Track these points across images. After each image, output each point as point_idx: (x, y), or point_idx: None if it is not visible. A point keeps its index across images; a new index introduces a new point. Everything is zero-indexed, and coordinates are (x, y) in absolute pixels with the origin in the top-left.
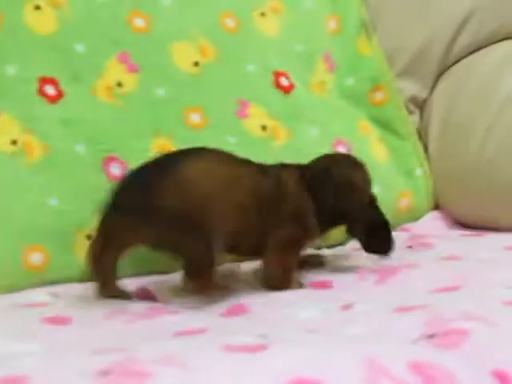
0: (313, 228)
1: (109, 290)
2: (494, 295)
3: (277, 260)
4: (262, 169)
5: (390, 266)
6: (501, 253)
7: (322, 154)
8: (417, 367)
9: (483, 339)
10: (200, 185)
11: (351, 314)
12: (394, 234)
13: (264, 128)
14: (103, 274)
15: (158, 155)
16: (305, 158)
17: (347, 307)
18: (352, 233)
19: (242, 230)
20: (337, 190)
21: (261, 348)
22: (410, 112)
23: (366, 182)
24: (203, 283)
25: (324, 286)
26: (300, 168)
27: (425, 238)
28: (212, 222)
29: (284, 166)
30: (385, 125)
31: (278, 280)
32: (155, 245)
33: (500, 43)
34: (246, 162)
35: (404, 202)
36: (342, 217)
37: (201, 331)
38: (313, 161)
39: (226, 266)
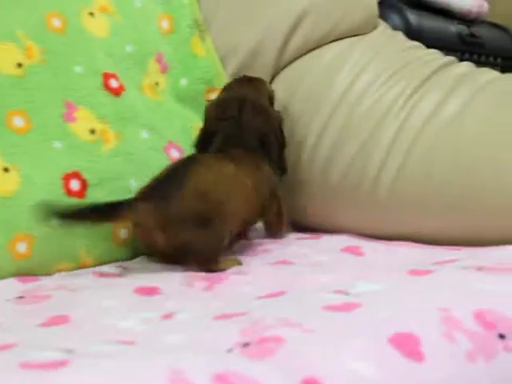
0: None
1: None
2: (315, 300)
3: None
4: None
5: (219, 273)
6: (336, 255)
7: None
8: (221, 378)
9: (297, 346)
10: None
11: (171, 324)
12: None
13: (92, 131)
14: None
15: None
16: (135, 162)
17: (168, 316)
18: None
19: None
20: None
21: (61, 364)
22: None
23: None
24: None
25: (151, 292)
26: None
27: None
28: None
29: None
30: None
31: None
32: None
33: (332, 44)
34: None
35: None
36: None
37: (8, 346)
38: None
39: None
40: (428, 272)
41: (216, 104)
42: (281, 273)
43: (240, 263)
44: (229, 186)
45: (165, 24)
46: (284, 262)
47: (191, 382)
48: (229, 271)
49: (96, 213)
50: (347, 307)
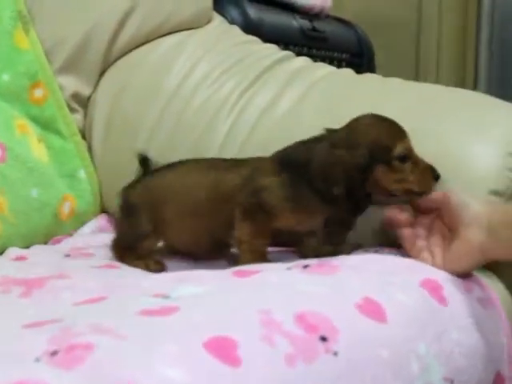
0: None
1: None
2: (132, 305)
3: None
4: None
5: (37, 278)
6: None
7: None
8: None
9: (107, 353)
10: None
11: None
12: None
13: None
14: None
15: None
16: None
17: None
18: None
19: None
20: None
21: None
22: (73, 110)
23: None
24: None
25: None
26: None
27: (86, 247)
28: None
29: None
30: (45, 124)
31: None
32: None
33: (164, 38)
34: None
35: (67, 207)
36: None
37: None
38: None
39: None
40: (252, 273)
41: None
42: (104, 277)
43: (161, 268)
44: (170, 193)
45: None
46: (110, 266)
47: None
48: (50, 275)
49: None
50: (164, 311)
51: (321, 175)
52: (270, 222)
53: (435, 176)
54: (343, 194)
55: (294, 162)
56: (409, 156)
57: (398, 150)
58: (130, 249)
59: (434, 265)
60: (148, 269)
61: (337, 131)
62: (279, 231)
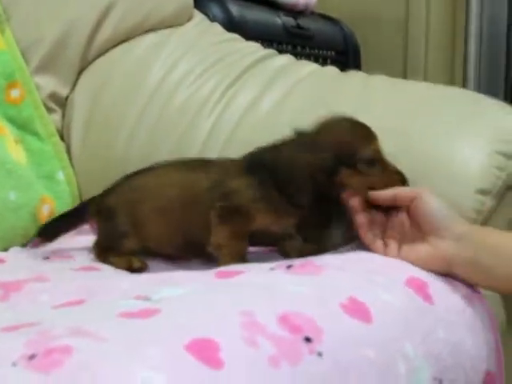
0: None
1: None
2: (113, 307)
3: None
4: None
5: (15, 281)
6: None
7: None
8: None
9: (86, 356)
10: None
11: None
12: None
13: None
14: None
15: None
16: None
17: None
18: None
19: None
20: None
21: None
22: (51, 110)
23: None
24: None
25: None
26: None
27: (65, 250)
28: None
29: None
30: (22, 125)
31: None
32: None
33: (144, 36)
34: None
35: (45, 209)
36: None
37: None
38: None
39: None
40: (235, 274)
41: None
42: (83, 279)
43: (144, 266)
44: (142, 194)
45: None
46: (90, 269)
47: None
48: (28, 278)
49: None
50: (145, 314)
51: (286, 179)
52: (246, 224)
53: (402, 182)
54: (309, 197)
55: (262, 165)
56: (377, 160)
57: (364, 153)
58: (111, 249)
59: (386, 254)
60: (131, 267)
61: (305, 133)
62: (256, 232)
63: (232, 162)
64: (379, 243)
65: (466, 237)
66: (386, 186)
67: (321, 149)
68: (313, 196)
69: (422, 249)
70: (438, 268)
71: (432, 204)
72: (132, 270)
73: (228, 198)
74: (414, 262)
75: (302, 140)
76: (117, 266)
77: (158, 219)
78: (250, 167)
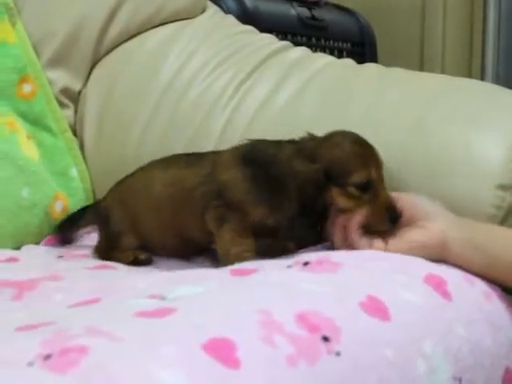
0: None
1: None
2: (128, 307)
3: None
4: None
5: (29, 279)
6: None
7: None
8: None
9: (102, 356)
10: None
11: None
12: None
13: None
14: None
15: None
16: None
17: None
18: None
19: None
20: None
21: None
22: (63, 105)
23: None
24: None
25: None
26: None
27: (79, 248)
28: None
29: None
30: (34, 120)
31: None
32: None
33: (157, 29)
34: None
35: (58, 206)
36: None
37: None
38: None
39: None
40: (251, 271)
41: None
42: (98, 278)
43: (150, 258)
44: (135, 193)
45: None
46: (104, 267)
47: None
48: (42, 276)
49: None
50: (161, 313)
51: (278, 178)
52: (245, 219)
53: (392, 217)
54: (294, 203)
55: (258, 160)
56: (371, 186)
57: (357, 177)
58: (113, 248)
59: (377, 248)
60: (137, 258)
61: (311, 140)
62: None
63: (222, 153)
64: (364, 240)
65: (460, 219)
66: (371, 218)
67: (314, 159)
68: (298, 202)
69: (414, 234)
70: (433, 251)
71: (416, 196)
72: (138, 262)
73: (221, 193)
74: (406, 252)
75: (304, 146)
76: (123, 260)
77: (152, 217)
78: (244, 159)
